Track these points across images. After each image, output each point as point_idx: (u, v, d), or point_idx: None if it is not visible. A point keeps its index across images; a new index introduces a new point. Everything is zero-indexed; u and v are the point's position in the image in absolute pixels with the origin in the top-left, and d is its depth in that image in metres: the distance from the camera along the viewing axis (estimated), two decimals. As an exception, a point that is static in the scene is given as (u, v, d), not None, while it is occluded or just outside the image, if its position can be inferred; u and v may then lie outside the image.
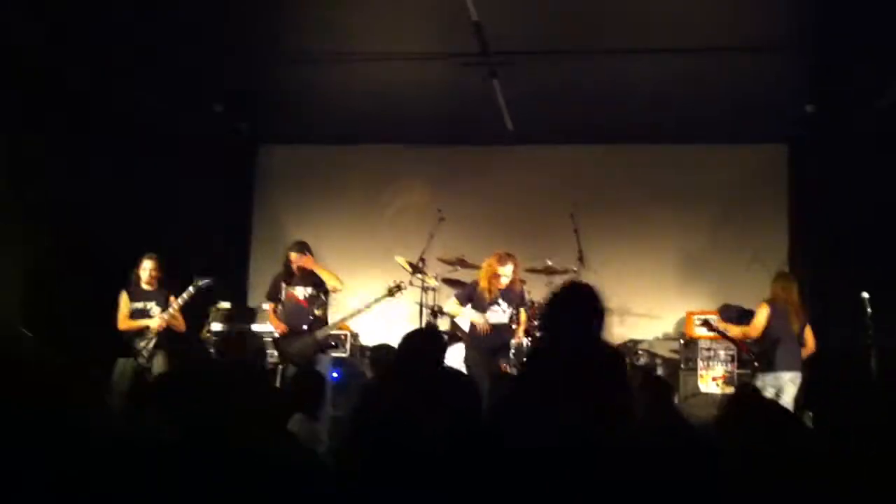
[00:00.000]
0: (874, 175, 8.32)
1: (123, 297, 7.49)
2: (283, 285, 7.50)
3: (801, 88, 8.18)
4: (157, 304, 7.46)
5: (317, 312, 7.43)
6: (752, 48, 7.28)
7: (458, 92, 8.41)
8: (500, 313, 7.39)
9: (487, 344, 7.27)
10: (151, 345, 7.29)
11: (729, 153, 9.77)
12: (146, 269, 7.49)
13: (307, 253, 7.49)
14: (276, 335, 7.51)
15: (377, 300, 7.57)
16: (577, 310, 4.02)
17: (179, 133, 9.09)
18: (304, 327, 7.35)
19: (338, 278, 7.49)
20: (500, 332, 7.34)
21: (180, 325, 7.50)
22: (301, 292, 7.45)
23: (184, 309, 7.50)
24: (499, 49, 7.34)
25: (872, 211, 8.35)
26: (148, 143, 8.64)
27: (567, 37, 7.30)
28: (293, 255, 7.47)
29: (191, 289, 7.46)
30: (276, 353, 7.61)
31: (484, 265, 7.51)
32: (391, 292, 7.58)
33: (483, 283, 7.36)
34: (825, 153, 9.06)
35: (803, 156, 9.54)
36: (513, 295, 7.45)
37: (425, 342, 4.61)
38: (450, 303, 7.62)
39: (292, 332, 7.36)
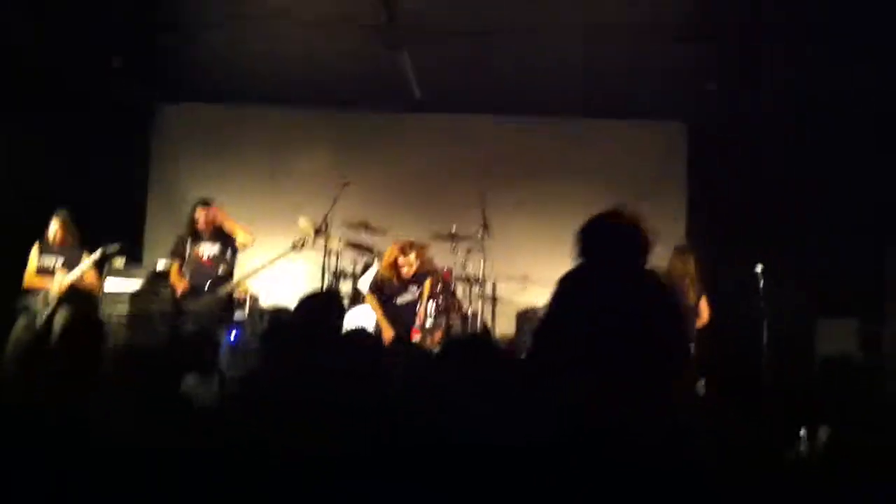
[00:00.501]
0: (770, 150, 8.60)
1: (33, 252, 7.40)
2: (189, 244, 7.33)
3: (703, 67, 8.34)
4: (65, 264, 7.35)
5: (220, 272, 7.30)
6: (655, 25, 7.39)
7: (365, 58, 8.29)
8: (410, 296, 7.46)
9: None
10: (51, 305, 7.19)
11: (630, 129, 9.92)
12: (53, 226, 7.40)
13: (210, 211, 7.32)
14: (178, 294, 7.30)
15: (280, 255, 7.50)
16: (619, 237, 3.55)
17: (76, 89, 8.73)
18: (207, 286, 7.22)
19: (249, 232, 7.38)
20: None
21: (93, 285, 7.44)
22: (206, 251, 7.31)
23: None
24: (408, 21, 7.29)
25: (768, 186, 8.63)
26: (45, 100, 8.33)
27: (474, 13, 7.30)
28: (200, 211, 7.30)
29: (97, 253, 7.40)
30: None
31: (385, 255, 7.53)
32: (294, 246, 7.52)
33: (385, 272, 7.40)
34: (724, 130, 9.32)
35: (702, 133, 9.76)
36: (421, 277, 7.49)
37: (322, 307, 4.37)
38: (368, 297, 7.57)
39: (195, 291, 7.21)
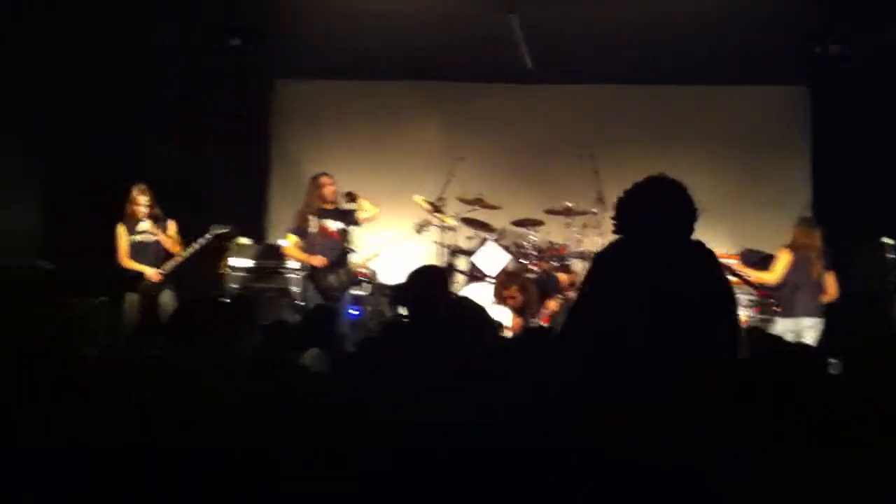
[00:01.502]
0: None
1: (120, 232, 7.36)
2: (312, 218, 7.33)
3: (826, 28, 8.00)
4: (153, 234, 7.31)
5: (345, 245, 7.36)
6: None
7: (476, 27, 8.27)
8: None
9: None
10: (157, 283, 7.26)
11: (752, 95, 9.62)
12: (135, 201, 7.31)
13: (330, 184, 7.35)
14: (310, 269, 7.29)
15: (404, 238, 7.61)
16: (663, 206, 3.29)
17: (195, 67, 9.00)
18: (337, 260, 7.28)
19: (375, 204, 7.46)
20: None
21: (174, 246, 7.39)
22: (332, 225, 7.34)
23: (199, 252, 7.44)
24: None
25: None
26: (162, 77, 8.58)
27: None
28: (325, 183, 7.31)
29: (207, 235, 7.45)
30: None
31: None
32: (418, 230, 7.60)
33: None
34: (849, 96, 8.90)
35: (827, 98, 9.37)
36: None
37: (427, 279, 4.62)
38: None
39: (327, 266, 7.23)
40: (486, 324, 3.94)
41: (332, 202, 7.34)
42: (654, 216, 3.24)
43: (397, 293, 7.36)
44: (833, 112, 9.21)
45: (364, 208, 7.39)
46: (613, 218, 3.32)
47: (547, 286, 7.69)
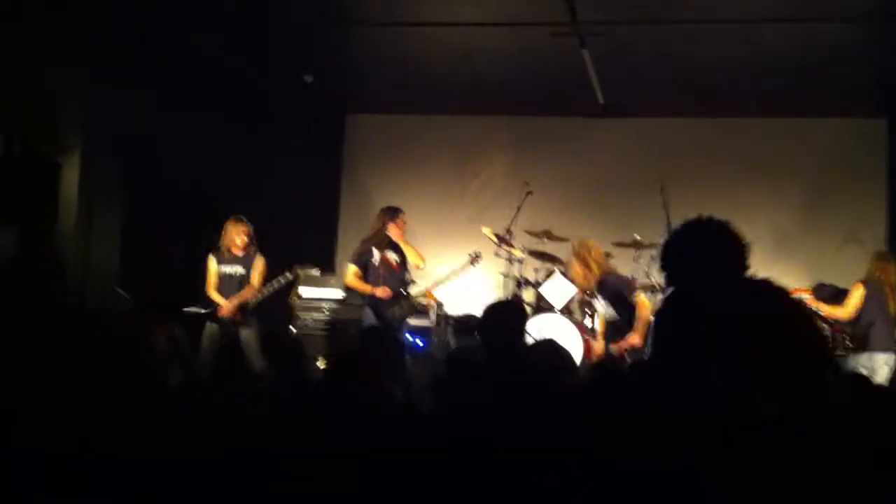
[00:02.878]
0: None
1: (210, 263, 7.53)
2: (375, 250, 7.48)
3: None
4: (244, 268, 7.47)
5: (406, 276, 7.46)
6: (849, 18, 7.05)
7: (547, 62, 8.33)
8: None
9: None
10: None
11: (825, 127, 9.50)
12: (231, 233, 7.46)
13: (399, 220, 7.48)
14: (375, 298, 7.35)
15: (460, 269, 7.67)
16: (711, 245, 3.04)
17: (270, 102, 9.23)
18: (400, 291, 7.41)
19: (421, 256, 7.53)
20: None
21: (258, 282, 7.51)
22: (393, 257, 7.47)
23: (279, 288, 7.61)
24: (588, 18, 7.24)
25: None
26: (239, 110, 8.79)
27: (657, 6, 7.18)
28: (395, 221, 7.45)
29: (288, 274, 7.61)
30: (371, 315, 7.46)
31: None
32: (472, 261, 7.67)
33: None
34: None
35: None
36: None
37: (506, 314, 4.61)
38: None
39: (390, 297, 7.35)
40: (566, 367, 3.89)
41: (392, 237, 7.47)
42: (703, 259, 2.99)
43: (471, 326, 7.46)
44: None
45: (408, 254, 7.48)
46: (662, 269, 3.10)
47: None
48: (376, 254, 7.46)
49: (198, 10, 7.33)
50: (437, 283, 7.76)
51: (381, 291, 7.34)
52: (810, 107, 9.17)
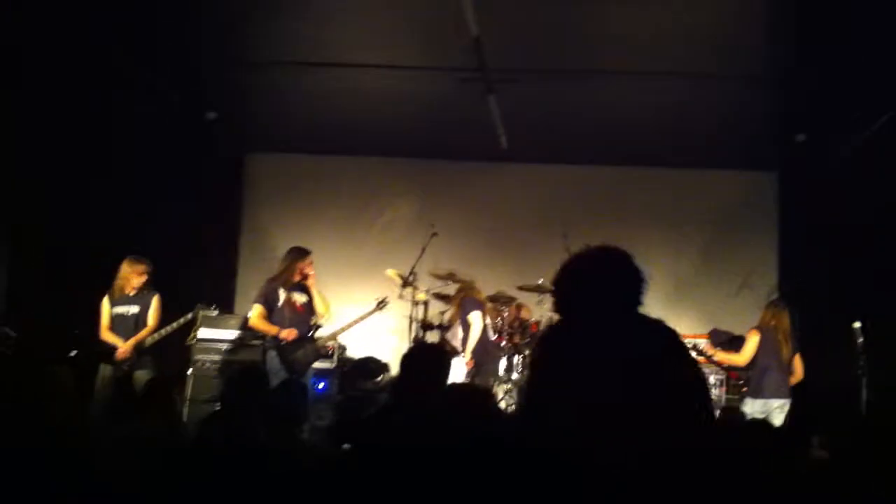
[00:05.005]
0: (864, 203, 8.34)
1: (104, 305, 7.37)
2: (281, 290, 7.31)
3: (792, 117, 8.21)
4: (140, 308, 7.35)
5: (312, 320, 7.32)
6: (744, 77, 7.36)
7: (453, 107, 8.38)
8: None
9: None
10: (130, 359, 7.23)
11: (720, 179, 9.83)
12: (126, 273, 7.36)
13: (306, 261, 7.34)
14: (275, 342, 7.19)
15: (367, 314, 7.58)
16: (604, 278, 2.84)
17: (166, 139, 9.01)
18: (307, 335, 7.25)
19: (327, 306, 7.40)
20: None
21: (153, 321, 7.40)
22: (300, 298, 7.31)
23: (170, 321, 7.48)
24: (497, 66, 7.33)
25: (862, 239, 8.35)
26: (134, 148, 8.57)
27: (565, 56, 7.32)
28: (303, 262, 7.31)
29: (189, 315, 7.57)
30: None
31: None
32: (379, 306, 7.60)
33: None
34: (815, 181, 9.11)
35: (793, 183, 9.59)
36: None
37: (431, 361, 4.28)
38: None
39: (295, 339, 7.18)
40: (490, 413, 3.79)
41: (300, 279, 7.33)
42: (595, 290, 2.79)
43: (371, 370, 7.39)
44: (799, 196, 9.41)
45: (315, 303, 7.36)
46: (551, 294, 2.94)
47: None
48: (282, 295, 7.29)
49: (93, 48, 7.12)
50: (343, 329, 7.63)
51: (287, 333, 7.14)
52: (708, 159, 9.46)
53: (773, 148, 9.03)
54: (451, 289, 8.53)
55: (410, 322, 8.41)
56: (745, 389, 7.28)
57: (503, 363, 7.91)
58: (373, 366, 8.79)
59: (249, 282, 9.83)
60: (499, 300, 8.40)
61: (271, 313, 7.26)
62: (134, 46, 7.28)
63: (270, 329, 7.21)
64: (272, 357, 7.14)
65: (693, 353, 7.67)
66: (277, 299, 7.28)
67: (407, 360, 4.19)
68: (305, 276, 7.31)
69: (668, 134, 8.75)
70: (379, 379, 8.60)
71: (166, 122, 8.67)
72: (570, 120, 8.67)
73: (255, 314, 7.29)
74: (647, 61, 7.19)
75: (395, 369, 6.56)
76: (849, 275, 8.29)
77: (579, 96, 8.10)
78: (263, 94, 8.59)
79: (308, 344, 7.24)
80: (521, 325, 8.30)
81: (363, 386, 8.59)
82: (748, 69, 7.25)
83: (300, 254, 7.39)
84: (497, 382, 7.62)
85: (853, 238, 8.38)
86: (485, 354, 7.83)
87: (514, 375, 7.80)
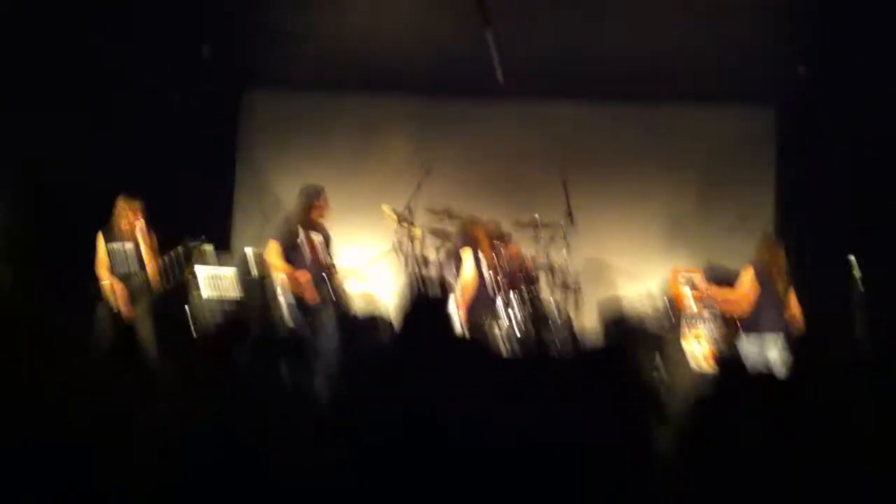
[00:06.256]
0: (864, 138, 8.34)
1: (99, 241, 7.41)
2: (300, 230, 7.27)
3: (794, 49, 8.13)
4: (135, 245, 7.37)
5: (327, 260, 7.30)
6: (747, 6, 7.24)
7: (449, 41, 8.28)
8: None
9: None
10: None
11: (719, 113, 9.73)
12: (122, 211, 7.39)
13: (322, 200, 7.38)
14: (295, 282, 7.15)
15: (381, 255, 7.66)
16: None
17: (163, 77, 8.91)
18: (322, 276, 7.22)
19: None
20: None
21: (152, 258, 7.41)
22: (318, 238, 7.32)
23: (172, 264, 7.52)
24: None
25: (862, 173, 8.38)
26: (131, 85, 8.49)
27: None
28: (318, 199, 7.33)
29: (180, 248, 7.53)
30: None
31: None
32: (394, 248, 7.95)
33: None
34: (814, 115, 9.06)
35: (792, 117, 9.51)
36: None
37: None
38: None
39: (308, 280, 7.15)
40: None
41: (317, 219, 7.33)
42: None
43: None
44: (799, 131, 9.36)
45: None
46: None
47: None
48: (301, 234, 7.25)
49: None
50: (359, 270, 7.69)
51: (302, 275, 7.12)
52: (705, 93, 9.35)
53: (773, 82, 8.93)
54: (448, 224, 8.53)
55: (406, 258, 8.43)
56: (739, 325, 7.32)
57: (499, 300, 7.91)
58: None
59: (246, 220, 9.84)
60: (496, 236, 8.40)
61: (286, 251, 7.21)
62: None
63: (285, 268, 7.15)
64: (287, 297, 7.06)
65: (688, 288, 7.76)
66: (295, 237, 7.23)
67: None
68: (321, 214, 7.26)
69: (665, 68, 8.65)
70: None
71: (161, 57, 8.58)
72: (566, 55, 8.56)
73: (271, 249, 7.24)
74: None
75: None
76: (846, 209, 8.34)
77: (574, 31, 8.01)
78: (259, 28, 8.47)
79: (324, 285, 7.18)
80: (519, 263, 8.31)
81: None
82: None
83: (314, 191, 7.34)
84: (489, 320, 7.62)
85: (852, 171, 8.41)
86: (479, 291, 7.85)
87: (511, 312, 7.80)
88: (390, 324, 4.32)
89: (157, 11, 7.80)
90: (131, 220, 7.37)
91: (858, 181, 8.60)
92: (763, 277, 7.10)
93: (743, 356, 6.42)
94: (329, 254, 7.32)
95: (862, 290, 6.74)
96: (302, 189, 7.51)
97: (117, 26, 7.86)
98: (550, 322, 7.84)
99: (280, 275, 7.18)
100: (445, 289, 7.96)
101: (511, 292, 7.89)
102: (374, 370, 3.44)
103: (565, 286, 8.53)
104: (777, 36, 7.85)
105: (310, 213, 7.29)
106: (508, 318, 7.68)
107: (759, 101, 9.59)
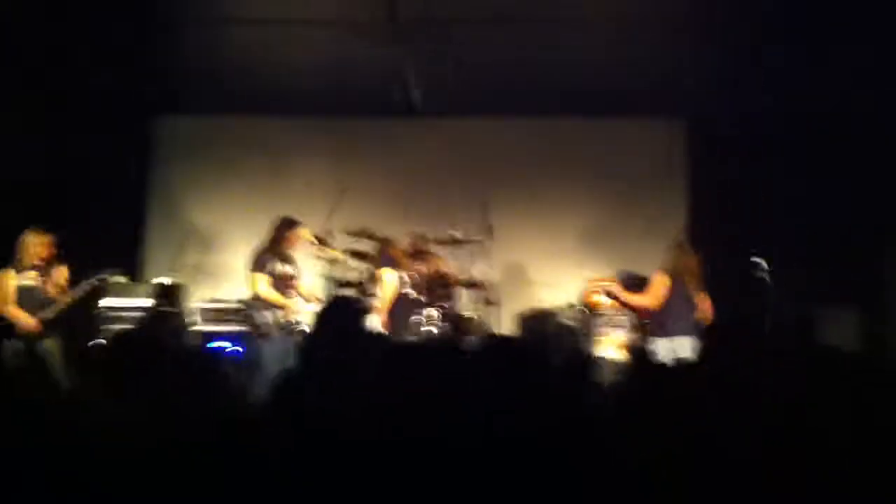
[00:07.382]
0: (771, 147, 8.67)
1: (7, 278, 7.05)
2: (276, 261, 7.28)
3: (704, 63, 8.34)
4: (45, 279, 7.08)
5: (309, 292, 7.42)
6: (659, 22, 7.43)
7: (364, 62, 8.28)
8: None
9: None
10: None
11: (630, 127, 9.94)
12: (29, 244, 7.07)
13: (295, 232, 7.42)
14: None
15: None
16: None
17: (77, 102, 8.73)
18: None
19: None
20: None
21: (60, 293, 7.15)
22: (292, 271, 7.36)
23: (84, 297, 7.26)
24: (409, 16, 7.30)
25: (768, 183, 8.69)
26: (44, 109, 8.30)
27: (473, 11, 7.34)
28: (295, 232, 7.36)
29: (94, 280, 7.25)
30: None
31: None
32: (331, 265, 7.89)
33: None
34: (723, 127, 9.33)
35: (702, 130, 9.78)
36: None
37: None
38: None
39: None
40: None
41: (291, 249, 7.41)
42: None
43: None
44: (707, 141, 9.63)
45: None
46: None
47: None
48: (276, 265, 7.26)
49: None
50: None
51: (292, 306, 7.22)
52: (617, 107, 9.52)
53: (682, 95, 9.16)
54: (366, 246, 8.50)
55: (327, 281, 8.38)
56: (650, 329, 7.44)
57: (422, 317, 7.93)
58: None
59: (158, 249, 9.68)
60: (416, 252, 8.43)
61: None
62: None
63: (282, 302, 7.20)
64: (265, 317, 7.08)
65: (604, 297, 7.88)
66: (275, 270, 7.23)
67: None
68: (292, 245, 7.34)
69: (577, 83, 8.79)
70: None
71: (70, 83, 8.40)
72: (480, 73, 8.64)
73: (263, 283, 7.21)
74: (554, 8, 7.24)
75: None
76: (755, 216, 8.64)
77: (488, 49, 8.09)
78: (170, 54, 8.36)
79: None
80: (441, 279, 8.35)
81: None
82: (661, 16, 7.33)
83: (292, 223, 7.37)
84: (411, 336, 7.64)
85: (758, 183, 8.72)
86: (401, 309, 7.86)
87: (433, 328, 7.83)
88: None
89: (65, 37, 7.62)
90: (40, 254, 7.10)
91: (762, 186, 8.94)
92: (675, 283, 7.24)
93: (656, 357, 6.57)
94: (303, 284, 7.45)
95: (769, 287, 6.95)
96: (273, 221, 7.52)
97: (19, 53, 7.67)
98: (472, 337, 7.88)
99: (275, 307, 7.22)
100: (366, 309, 7.95)
101: (433, 308, 7.93)
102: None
103: (487, 301, 8.60)
104: (687, 50, 8.03)
105: (286, 245, 7.31)
106: (430, 334, 7.70)
107: (670, 113, 9.84)
